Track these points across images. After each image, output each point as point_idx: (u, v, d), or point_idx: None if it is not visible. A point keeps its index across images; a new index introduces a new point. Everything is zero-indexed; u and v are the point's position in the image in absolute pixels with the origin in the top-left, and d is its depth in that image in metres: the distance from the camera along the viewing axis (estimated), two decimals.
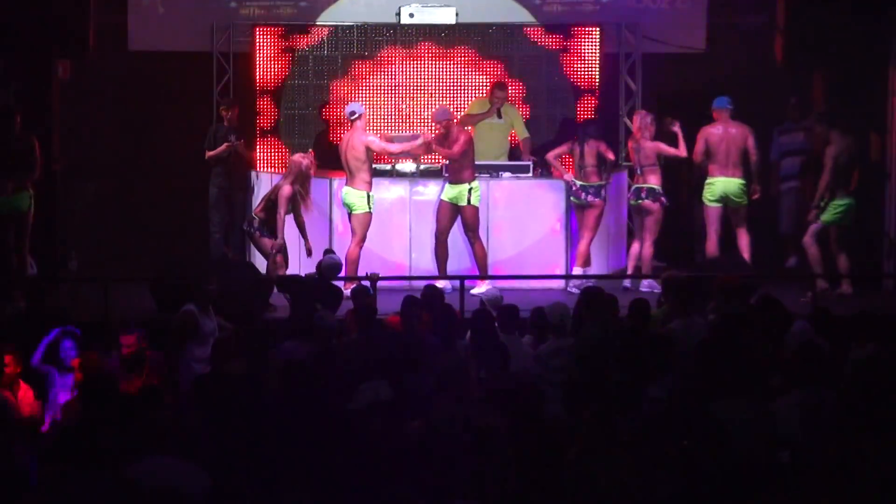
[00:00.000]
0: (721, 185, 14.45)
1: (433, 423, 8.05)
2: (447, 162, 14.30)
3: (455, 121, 14.68)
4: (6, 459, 7.66)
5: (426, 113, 15.62)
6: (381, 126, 15.72)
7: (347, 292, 12.90)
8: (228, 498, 7.16)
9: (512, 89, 15.64)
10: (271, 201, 13.68)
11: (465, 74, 15.94)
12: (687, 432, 7.72)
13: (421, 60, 15.88)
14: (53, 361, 10.29)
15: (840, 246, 14.19)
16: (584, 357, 10.22)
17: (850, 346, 10.12)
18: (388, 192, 14.55)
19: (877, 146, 15.34)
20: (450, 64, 15.93)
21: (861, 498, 6.96)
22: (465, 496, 7.16)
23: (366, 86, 15.88)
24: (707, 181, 14.54)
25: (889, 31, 15.08)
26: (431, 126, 14.69)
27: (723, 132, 14.45)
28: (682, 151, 14.59)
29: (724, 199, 14.48)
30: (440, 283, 13.13)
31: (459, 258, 14.42)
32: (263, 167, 15.59)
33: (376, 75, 15.88)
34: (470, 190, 14.19)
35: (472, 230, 14.27)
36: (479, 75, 15.93)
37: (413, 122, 15.82)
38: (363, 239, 14.02)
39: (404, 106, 15.91)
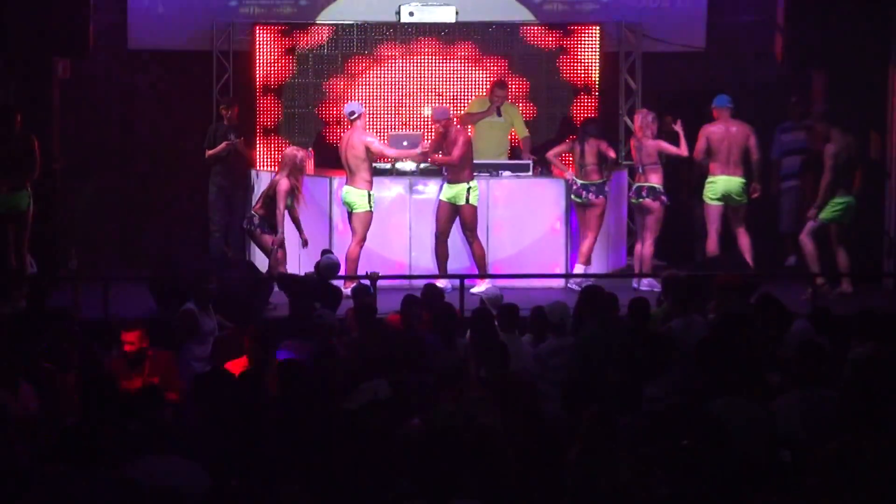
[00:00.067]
0: (722, 183, 14.45)
1: (433, 422, 8.05)
2: None
3: (455, 120, 14.68)
4: (6, 459, 7.65)
5: (426, 112, 15.63)
6: (380, 125, 15.72)
7: (348, 291, 12.90)
8: (228, 498, 7.16)
9: (512, 88, 15.64)
10: (269, 197, 13.68)
11: (464, 73, 15.94)
12: (687, 432, 7.72)
13: (421, 59, 15.88)
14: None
15: (840, 244, 14.18)
16: (584, 356, 10.22)
17: (851, 345, 10.12)
18: (388, 191, 14.55)
19: (877, 145, 15.34)
20: (450, 63, 15.93)
21: (861, 497, 6.96)
22: (465, 496, 7.15)
23: (365, 84, 15.88)
24: (708, 179, 14.53)
25: (889, 30, 15.08)
26: (430, 125, 14.69)
27: (724, 131, 14.45)
28: (683, 150, 14.60)
29: (726, 198, 14.48)
30: (440, 283, 13.13)
31: (459, 257, 14.42)
32: (263, 166, 15.59)
33: (376, 74, 15.88)
34: (469, 189, 14.19)
35: (470, 230, 14.27)
36: (478, 74, 15.94)
37: (413, 121, 15.83)
38: (364, 238, 14.02)
39: (404, 105, 15.91)
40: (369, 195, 14.01)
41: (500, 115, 15.28)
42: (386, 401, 8.60)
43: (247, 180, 15.36)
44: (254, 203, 14.23)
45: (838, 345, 10.07)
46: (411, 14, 15.73)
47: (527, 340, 10.82)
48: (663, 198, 14.60)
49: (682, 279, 11.26)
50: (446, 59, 15.92)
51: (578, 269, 14.45)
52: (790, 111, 15.64)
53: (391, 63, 15.88)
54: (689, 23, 16.29)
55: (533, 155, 15.22)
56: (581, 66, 16.03)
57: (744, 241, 14.46)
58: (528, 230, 14.74)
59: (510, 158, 15.35)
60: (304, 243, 13.82)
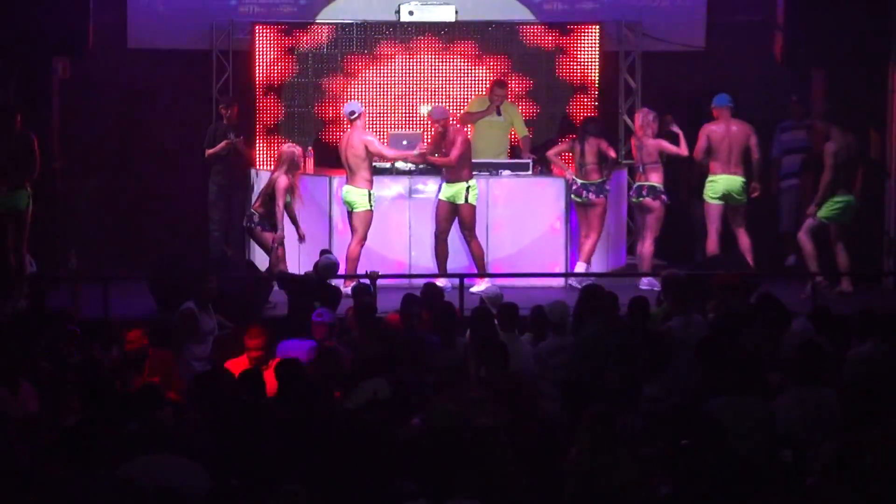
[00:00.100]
0: (723, 182, 14.45)
1: (433, 422, 8.05)
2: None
3: (453, 120, 14.67)
4: (6, 459, 7.65)
5: (423, 111, 15.64)
6: (380, 124, 15.72)
7: (348, 290, 12.91)
8: (228, 498, 7.17)
9: (512, 87, 15.63)
10: (268, 195, 13.69)
11: (464, 72, 15.93)
12: (687, 432, 7.72)
13: (420, 58, 15.87)
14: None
15: (840, 244, 14.18)
16: (584, 355, 10.22)
17: (851, 345, 10.12)
18: (388, 190, 14.54)
19: (877, 144, 15.34)
20: (449, 62, 15.92)
21: (861, 497, 6.96)
22: (465, 496, 7.16)
23: (365, 84, 15.87)
24: (709, 179, 14.53)
25: (889, 30, 15.07)
26: (430, 125, 14.68)
27: (725, 130, 14.44)
28: (683, 150, 14.60)
29: (726, 197, 14.47)
30: (440, 282, 13.12)
31: (459, 257, 14.41)
32: (263, 165, 15.58)
33: (376, 73, 15.87)
34: (468, 188, 14.18)
35: (468, 229, 14.26)
36: (478, 73, 15.93)
37: (413, 120, 15.82)
38: (364, 237, 14.01)
39: (404, 104, 15.90)
40: (369, 194, 14.01)
41: (499, 114, 15.27)
42: (386, 401, 8.60)
43: (247, 180, 15.35)
44: (253, 202, 14.24)
45: (838, 344, 10.07)
46: (411, 13, 15.73)
47: (527, 340, 10.82)
48: (663, 197, 14.60)
49: (681, 279, 11.26)
50: (446, 58, 15.91)
51: (580, 267, 14.44)
52: (791, 110, 15.63)
53: (391, 62, 15.87)
54: (688, 22, 16.28)
55: (532, 154, 15.22)
56: (581, 65, 16.03)
57: (744, 242, 14.45)
58: (528, 229, 14.73)
59: (510, 157, 15.35)
60: (301, 238, 13.84)
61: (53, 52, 14.94)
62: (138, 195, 16.55)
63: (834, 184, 14.09)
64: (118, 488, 6.95)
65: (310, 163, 15.12)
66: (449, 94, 15.84)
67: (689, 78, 16.26)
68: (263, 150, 15.78)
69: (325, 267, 12.54)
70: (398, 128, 15.70)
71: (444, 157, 14.19)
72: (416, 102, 15.84)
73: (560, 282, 14.54)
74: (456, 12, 15.78)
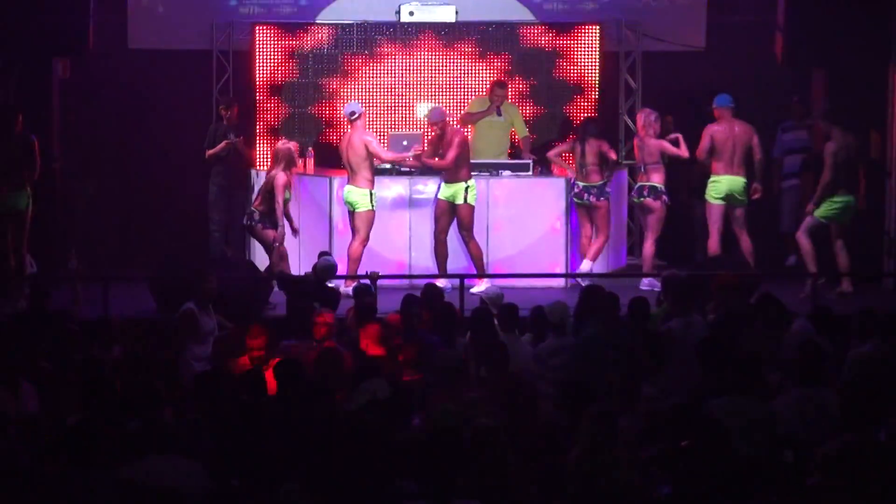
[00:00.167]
0: (726, 183, 14.45)
1: (433, 422, 8.05)
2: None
3: (454, 121, 14.68)
4: (6, 459, 7.64)
5: (419, 112, 15.65)
6: (380, 124, 15.72)
7: (349, 290, 12.91)
8: (228, 498, 7.16)
9: (512, 87, 15.64)
10: (268, 192, 13.70)
11: (464, 73, 15.93)
12: (687, 432, 7.72)
13: (421, 59, 15.88)
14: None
15: (840, 244, 14.17)
16: (584, 356, 10.22)
17: (851, 345, 10.12)
18: (389, 191, 14.54)
19: (877, 144, 15.34)
20: (450, 62, 15.93)
21: (862, 497, 6.96)
22: (465, 496, 7.16)
23: (365, 84, 15.88)
24: (712, 179, 14.52)
25: (889, 30, 15.08)
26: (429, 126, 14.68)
27: (728, 130, 14.44)
28: (683, 152, 14.61)
29: (729, 198, 14.48)
30: (440, 282, 13.12)
31: (459, 257, 14.41)
32: (263, 165, 15.57)
33: (376, 74, 15.88)
34: (466, 188, 14.18)
35: (466, 229, 14.26)
36: (478, 73, 15.93)
37: (413, 121, 15.82)
38: (367, 237, 14.00)
39: (404, 104, 15.91)
40: (371, 194, 14.01)
41: (500, 114, 15.28)
42: (386, 401, 8.59)
43: (247, 180, 15.35)
44: (252, 200, 14.24)
45: (838, 344, 10.07)
46: (411, 13, 15.73)
47: (527, 340, 10.82)
48: (664, 197, 14.60)
49: (682, 279, 11.25)
50: (446, 58, 15.92)
51: (585, 265, 14.44)
52: (792, 110, 15.64)
53: (391, 62, 15.87)
54: (689, 22, 16.28)
55: (533, 154, 15.22)
56: (581, 65, 16.03)
57: (746, 245, 14.44)
58: (529, 230, 14.73)
59: (510, 158, 15.35)
60: (295, 232, 13.84)
61: (54, 52, 14.95)
62: (138, 195, 16.55)
63: (833, 184, 14.09)
64: (118, 488, 6.95)
65: (310, 163, 15.13)
66: (449, 95, 15.84)
67: (689, 78, 16.26)
68: (263, 151, 15.78)
69: (324, 268, 12.54)
70: (398, 128, 15.70)
71: (442, 157, 14.18)
72: (417, 103, 15.85)
73: (560, 282, 14.54)
74: (456, 12, 15.78)
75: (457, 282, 12.96)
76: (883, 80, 15.14)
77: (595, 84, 16.04)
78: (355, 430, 7.70)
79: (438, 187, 14.35)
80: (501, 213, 14.69)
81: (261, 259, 14.26)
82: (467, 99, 15.78)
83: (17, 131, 13.52)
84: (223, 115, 15.33)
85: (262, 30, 15.85)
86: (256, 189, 15.02)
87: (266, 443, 7.91)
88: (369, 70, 15.86)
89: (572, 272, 14.49)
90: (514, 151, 15.50)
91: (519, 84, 15.96)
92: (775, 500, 7.23)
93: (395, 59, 15.86)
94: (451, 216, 14.28)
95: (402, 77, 15.86)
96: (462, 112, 15.54)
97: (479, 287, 13.65)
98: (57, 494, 6.93)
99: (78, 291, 13.10)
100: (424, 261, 14.47)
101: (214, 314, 11.45)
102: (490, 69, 15.91)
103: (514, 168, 14.94)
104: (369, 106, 15.50)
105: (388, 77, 15.87)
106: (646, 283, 14.28)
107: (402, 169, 14.69)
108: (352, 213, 14.10)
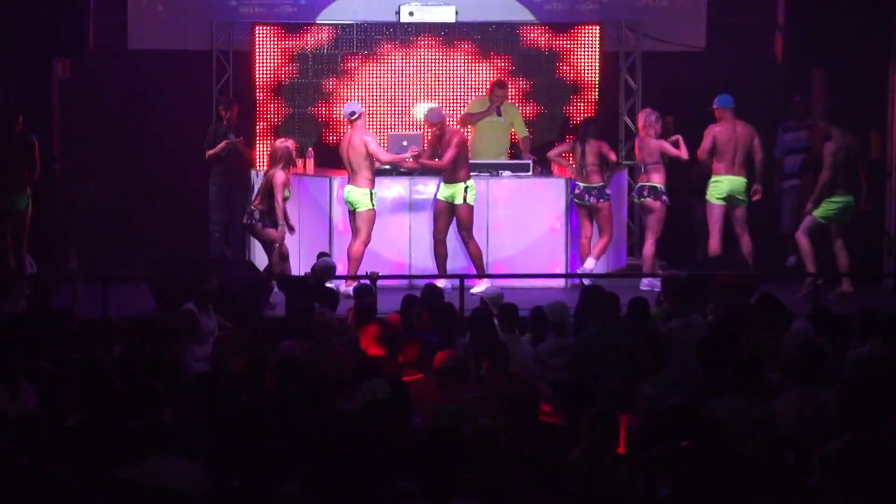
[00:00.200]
0: (727, 183, 14.46)
1: (433, 422, 8.05)
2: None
3: (454, 123, 14.68)
4: (6, 459, 7.65)
5: (415, 113, 15.66)
6: (380, 125, 15.72)
7: (349, 290, 12.90)
8: (228, 498, 7.16)
9: (512, 88, 15.64)
10: (267, 191, 13.71)
11: (464, 73, 15.94)
12: (687, 432, 7.71)
13: (421, 59, 15.88)
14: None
15: (840, 244, 14.18)
16: (584, 356, 10.21)
17: (851, 345, 10.12)
18: (388, 191, 14.54)
19: (877, 145, 15.34)
20: (449, 63, 15.92)
21: (862, 497, 6.96)
22: (465, 496, 7.15)
23: (365, 84, 15.88)
24: (713, 179, 14.52)
25: (889, 30, 15.08)
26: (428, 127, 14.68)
27: (731, 131, 14.45)
28: (683, 153, 14.62)
29: (730, 198, 14.49)
30: (440, 283, 13.12)
31: (458, 257, 14.42)
32: (263, 166, 15.57)
33: (376, 74, 15.88)
34: (466, 189, 14.19)
35: (465, 229, 14.26)
36: (478, 74, 15.93)
37: (413, 121, 15.82)
38: (368, 237, 14.00)
39: (404, 104, 15.91)
40: (371, 193, 14.02)
41: (500, 114, 15.28)
42: (386, 401, 8.59)
43: (247, 181, 15.36)
44: (252, 199, 14.25)
45: (838, 345, 10.06)
46: (411, 14, 15.73)
47: (526, 340, 10.82)
48: (664, 197, 14.60)
49: (682, 279, 11.25)
50: (446, 58, 15.92)
51: (590, 262, 14.44)
52: (793, 110, 15.65)
53: (391, 63, 15.87)
54: (689, 23, 16.28)
55: (533, 155, 15.22)
56: (581, 65, 16.03)
57: (746, 247, 14.44)
58: (529, 230, 14.73)
59: (510, 158, 15.35)
60: (290, 230, 13.84)
61: (54, 52, 14.95)
62: (138, 196, 16.55)
63: (832, 183, 14.10)
64: (118, 488, 6.94)
65: (310, 163, 15.13)
66: (449, 95, 15.84)
67: (689, 78, 16.26)
68: (263, 151, 15.77)
69: (322, 269, 12.54)
70: (398, 128, 15.70)
71: (441, 158, 14.17)
72: (414, 103, 15.85)
73: (560, 282, 14.54)
74: (456, 13, 15.78)
75: (457, 282, 12.97)
76: (883, 81, 15.14)
77: (595, 84, 16.05)
78: (355, 430, 7.70)
79: (437, 187, 14.35)
80: (501, 214, 14.69)
81: (260, 259, 14.26)
82: (467, 99, 15.78)
83: (17, 132, 13.52)
84: (223, 115, 15.33)
85: (263, 30, 15.85)
86: (256, 189, 15.03)
87: (266, 443, 7.91)
88: (369, 70, 15.86)
89: (572, 272, 14.49)
90: (514, 152, 15.50)
91: (519, 84, 15.96)
92: (775, 501, 7.23)
93: (395, 59, 15.86)
94: (450, 216, 14.29)
95: (402, 77, 15.87)
96: (462, 112, 15.54)
97: (479, 287, 13.65)
98: (57, 494, 6.93)
99: (78, 291, 13.10)
100: (424, 261, 14.48)
101: (214, 314, 11.45)
102: (490, 69, 15.91)
103: (514, 168, 14.94)
104: (369, 106, 15.50)
105: (388, 77, 15.87)
106: (646, 284, 14.28)
107: (402, 169, 14.70)
108: (352, 213, 14.11)
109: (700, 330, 10.39)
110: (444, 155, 14.12)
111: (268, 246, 13.78)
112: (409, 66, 15.86)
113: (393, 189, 14.60)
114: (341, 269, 14.08)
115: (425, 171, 14.54)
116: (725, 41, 16.27)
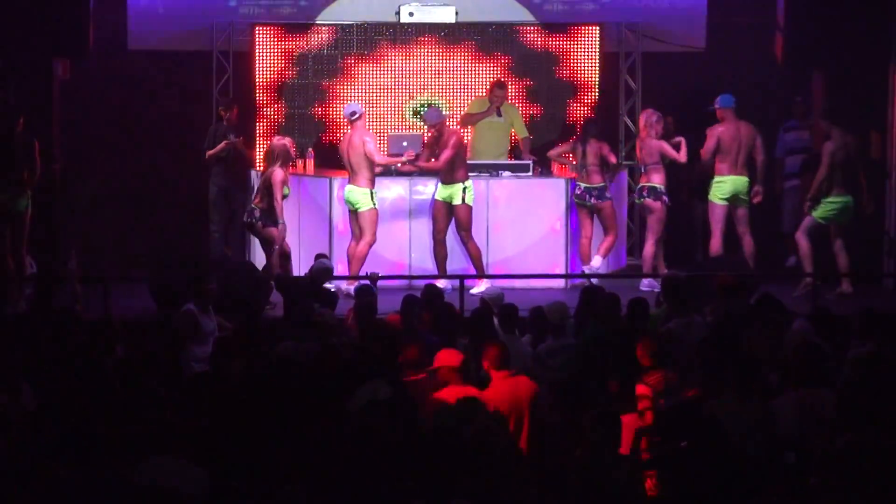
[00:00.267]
0: (731, 183, 14.48)
1: (433, 422, 8.05)
2: None
3: (456, 124, 14.69)
4: (6, 459, 7.65)
5: (408, 113, 15.69)
6: (380, 125, 15.72)
7: (351, 289, 12.91)
8: (228, 499, 7.16)
9: (512, 88, 15.64)
10: (266, 189, 13.72)
11: (464, 73, 15.94)
12: (686, 432, 7.72)
13: (421, 59, 15.88)
14: None
15: (839, 244, 14.18)
16: (584, 356, 10.21)
17: (851, 345, 10.11)
18: (388, 191, 14.55)
19: (877, 145, 15.35)
20: (449, 63, 15.93)
21: (862, 498, 6.96)
22: (465, 496, 7.15)
23: (365, 85, 15.88)
24: (717, 179, 14.53)
25: (889, 30, 15.09)
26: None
27: (734, 131, 14.46)
28: (682, 157, 14.61)
29: (733, 198, 14.50)
30: (440, 283, 13.13)
31: (458, 258, 14.42)
32: (263, 166, 15.58)
33: (376, 74, 15.89)
34: (464, 189, 14.19)
35: (464, 229, 14.26)
36: (478, 74, 15.93)
37: (413, 121, 15.83)
38: (374, 237, 14.00)
39: (404, 105, 15.91)
40: (372, 193, 14.03)
41: (499, 115, 15.29)
42: (386, 401, 8.59)
43: (247, 181, 15.36)
44: (252, 198, 14.25)
45: (838, 345, 10.06)
46: (411, 14, 15.74)
47: (527, 341, 10.82)
48: (664, 198, 14.61)
49: (681, 280, 11.25)
50: (446, 59, 15.92)
51: (597, 260, 14.45)
52: (794, 110, 15.66)
53: (391, 63, 15.88)
54: (689, 23, 16.28)
55: (533, 155, 15.22)
56: (581, 66, 16.04)
57: (748, 247, 14.45)
58: (529, 230, 14.74)
59: (510, 159, 15.35)
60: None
61: (54, 53, 14.94)
62: (138, 196, 16.55)
63: (829, 182, 14.11)
64: (118, 488, 6.94)
65: (310, 164, 15.13)
66: (449, 96, 15.85)
67: (689, 79, 16.27)
68: (263, 152, 15.77)
69: (320, 271, 12.55)
70: (398, 129, 15.70)
71: (438, 158, 14.16)
72: (409, 102, 15.84)
73: (560, 283, 14.54)
74: (456, 13, 15.79)
75: (457, 282, 12.97)
76: (883, 81, 15.15)
77: (595, 85, 16.06)
78: (355, 430, 7.70)
79: (435, 188, 14.36)
80: (501, 214, 14.70)
81: (260, 259, 14.26)
82: (467, 100, 15.79)
83: (18, 133, 13.52)
84: (223, 115, 15.33)
85: (262, 30, 15.86)
86: (255, 189, 15.05)
87: (266, 444, 7.91)
88: (369, 71, 15.87)
89: (572, 273, 14.49)
90: (514, 152, 15.50)
91: (519, 85, 15.96)
92: (775, 501, 7.23)
93: (394, 59, 15.86)
94: (449, 217, 14.29)
95: (401, 78, 15.87)
96: (462, 113, 15.55)
97: (479, 287, 13.65)
98: (57, 494, 6.93)
99: (78, 292, 13.09)
100: (424, 261, 14.48)
101: (214, 315, 11.45)
102: (490, 70, 15.91)
103: (514, 169, 14.95)
104: (369, 107, 15.50)
105: (387, 78, 15.87)
106: (646, 284, 14.29)
107: (402, 170, 14.69)
108: (354, 214, 14.10)
109: (700, 330, 10.39)
110: (441, 155, 14.11)
111: (267, 245, 13.78)
112: (409, 67, 15.87)
113: (393, 189, 14.61)
114: (342, 269, 14.09)
115: (424, 172, 14.55)
116: (725, 41, 16.27)
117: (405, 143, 14.62)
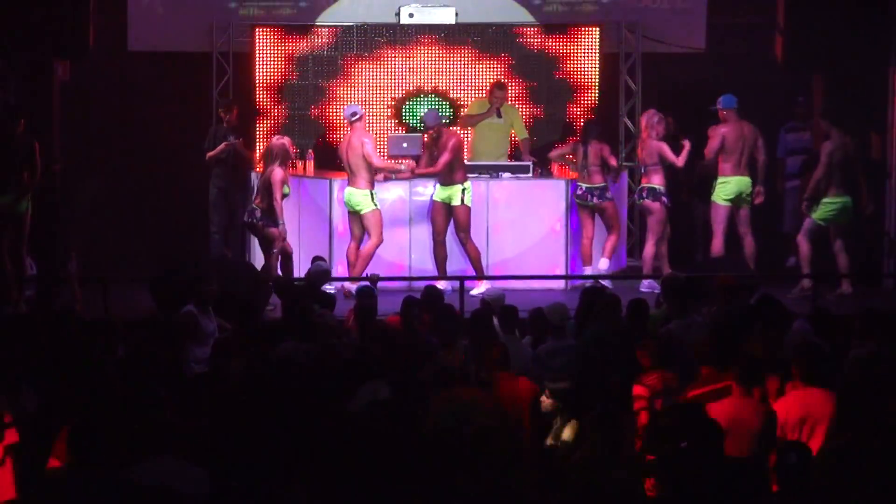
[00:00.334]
0: (735, 184, 14.49)
1: (432, 423, 8.05)
2: None
3: (456, 127, 14.71)
4: (6, 458, 7.66)
5: (405, 114, 15.68)
6: (380, 126, 15.72)
7: (352, 290, 12.91)
8: (228, 500, 7.16)
9: (512, 89, 15.64)
10: (266, 189, 13.72)
11: (464, 75, 15.94)
12: (686, 433, 7.71)
13: (421, 60, 15.88)
14: None
15: (839, 245, 14.18)
16: (585, 357, 10.21)
17: (851, 345, 10.12)
18: (388, 193, 14.55)
19: (877, 145, 15.36)
20: (449, 64, 15.93)
21: (862, 497, 6.96)
22: (464, 496, 7.16)
23: (365, 86, 15.88)
24: (720, 180, 14.53)
25: (889, 31, 15.09)
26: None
27: (738, 131, 14.48)
28: (680, 161, 14.61)
29: (736, 199, 14.51)
30: (440, 284, 13.13)
31: (458, 259, 14.43)
32: (261, 166, 15.59)
33: (376, 75, 15.89)
34: (463, 190, 14.20)
35: (463, 231, 14.27)
36: (478, 75, 15.94)
37: (407, 122, 15.83)
38: (380, 237, 14.00)
39: (401, 105, 15.91)
40: (372, 194, 14.04)
41: (499, 116, 15.28)
42: (386, 402, 8.59)
43: (247, 182, 15.37)
44: (252, 198, 14.26)
45: (838, 345, 10.07)
46: (411, 15, 15.74)
47: (526, 342, 10.82)
48: (664, 199, 14.61)
49: (681, 281, 11.25)
50: (446, 60, 15.92)
51: (603, 262, 14.46)
52: (795, 111, 15.67)
53: (391, 64, 15.88)
54: (688, 23, 16.30)
55: (533, 156, 15.22)
56: (581, 66, 16.04)
57: (749, 248, 14.45)
58: (529, 232, 14.74)
59: (510, 160, 15.36)
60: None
61: (54, 54, 14.95)
62: (138, 197, 16.57)
63: (827, 182, 14.13)
64: (118, 488, 6.95)
65: (310, 165, 15.13)
66: (449, 97, 15.85)
67: (689, 80, 16.28)
68: (261, 152, 15.78)
69: (317, 274, 12.56)
70: (398, 130, 15.70)
71: (437, 160, 14.16)
72: (404, 104, 15.84)
73: (560, 284, 14.54)
74: (456, 14, 15.79)
75: (457, 284, 12.97)
76: (883, 82, 15.15)
77: (595, 86, 16.05)
78: (355, 431, 7.71)
79: (434, 189, 14.36)
80: (501, 215, 14.70)
81: (259, 260, 14.26)
82: (467, 101, 15.79)
83: (18, 134, 13.53)
84: (223, 116, 15.34)
85: (262, 31, 15.86)
86: (255, 189, 15.05)
87: (266, 444, 7.92)
88: (369, 72, 15.87)
89: (572, 273, 14.50)
90: (514, 153, 15.50)
91: (519, 86, 15.96)
92: (775, 501, 7.23)
93: (394, 60, 15.86)
94: (448, 218, 14.29)
95: (401, 79, 15.87)
96: (462, 114, 15.55)
97: (479, 288, 13.66)
98: (57, 494, 6.93)
99: (77, 292, 13.09)
100: (424, 263, 14.48)
101: (214, 316, 11.46)
102: (490, 71, 15.92)
103: (514, 170, 14.95)
104: (369, 108, 15.51)
105: (387, 79, 15.87)
106: (646, 285, 14.30)
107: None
108: (354, 215, 14.10)
109: (699, 331, 10.39)
110: (439, 157, 14.11)
111: (267, 245, 13.78)
112: (409, 68, 15.87)
113: (392, 191, 14.61)
114: (342, 270, 14.10)
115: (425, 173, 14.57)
116: (725, 42, 16.28)
117: (405, 144, 14.64)
